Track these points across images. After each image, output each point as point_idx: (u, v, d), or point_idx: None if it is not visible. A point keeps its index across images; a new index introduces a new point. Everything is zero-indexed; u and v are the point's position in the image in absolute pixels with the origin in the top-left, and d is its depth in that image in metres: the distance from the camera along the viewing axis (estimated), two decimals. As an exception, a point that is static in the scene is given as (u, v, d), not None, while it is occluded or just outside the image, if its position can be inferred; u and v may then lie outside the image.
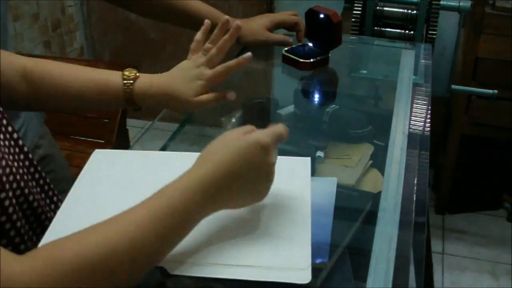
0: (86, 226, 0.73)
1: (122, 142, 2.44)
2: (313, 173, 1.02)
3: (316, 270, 0.81)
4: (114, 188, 0.95)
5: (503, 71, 2.55)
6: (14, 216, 0.87)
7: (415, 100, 1.37)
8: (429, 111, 1.33)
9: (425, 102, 1.37)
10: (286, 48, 1.58)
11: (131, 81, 1.04)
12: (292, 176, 0.98)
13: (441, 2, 1.82)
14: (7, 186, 0.86)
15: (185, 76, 1.08)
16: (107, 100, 1.06)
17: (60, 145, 1.51)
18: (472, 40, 2.55)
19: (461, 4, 1.88)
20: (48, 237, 0.83)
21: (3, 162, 0.86)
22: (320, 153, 1.26)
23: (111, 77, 1.05)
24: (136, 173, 0.99)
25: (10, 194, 0.86)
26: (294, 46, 1.59)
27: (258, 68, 1.73)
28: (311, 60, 1.53)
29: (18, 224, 0.89)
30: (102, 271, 0.69)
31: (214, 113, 1.45)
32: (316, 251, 0.83)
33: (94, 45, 3.67)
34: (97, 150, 1.05)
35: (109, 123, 2.41)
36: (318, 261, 0.87)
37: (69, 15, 3.41)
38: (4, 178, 0.85)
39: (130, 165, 1.01)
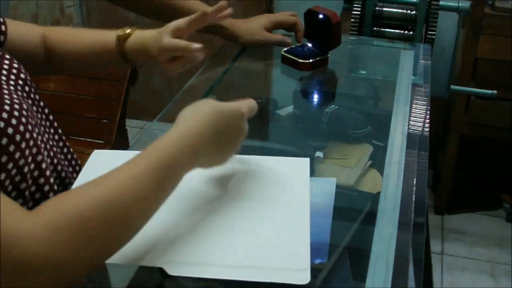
0: None
1: (121, 142, 2.44)
2: (312, 173, 1.03)
3: (315, 270, 0.81)
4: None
5: (502, 71, 2.55)
6: (51, 180, 0.92)
7: (414, 101, 1.37)
8: (428, 112, 1.33)
9: (424, 103, 1.37)
10: (285, 49, 1.58)
11: (124, 39, 1.13)
12: (291, 176, 0.98)
13: (441, 3, 1.82)
14: (43, 152, 0.92)
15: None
16: (106, 58, 1.15)
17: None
18: (472, 40, 2.55)
19: (460, 4, 1.88)
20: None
21: (40, 137, 0.92)
22: (319, 154, 1.26)
23: (108, 36, 1.15)
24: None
25: (45, 157, 0.92)
26: (293, 46, 1.59)
27: (257, 68, 1.73)
28: (310, 60, 1.53)
29: (55, 187, 0.94)
30: (108, 218, 0.71)
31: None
32: (315, 251, 0.83)
33: (93, 45, 3.67)
34: (96, 151, 1.06)
35: (108, 123, 2.41)
36: (317, 261, 0.87)
37: (68, 15, 3.41)
38: (40, 144, 0.91)
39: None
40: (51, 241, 0.66)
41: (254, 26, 1.58)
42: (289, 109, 1.50)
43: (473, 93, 2.57)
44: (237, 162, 1.02)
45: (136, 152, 1.06)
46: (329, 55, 1.57)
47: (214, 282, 0.78)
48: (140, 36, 1.14)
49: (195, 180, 0.96)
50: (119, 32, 1.14)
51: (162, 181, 0.78)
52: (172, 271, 0.78)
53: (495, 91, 2.11)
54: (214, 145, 0.86)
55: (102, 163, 1.02)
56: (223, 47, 1.70)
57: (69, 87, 2.50)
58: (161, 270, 0.78)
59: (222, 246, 0.82)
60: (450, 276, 2.66)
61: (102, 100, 2.46)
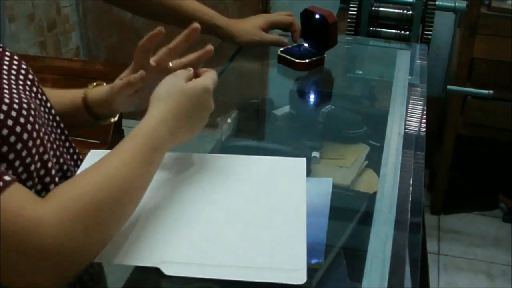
0: None
1: (117, 142, 2.44)
2: (309, 173, 1.02)
3: (311, 270, 0.81)
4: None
5: (498, 71, 2.56)
6: (56, 179, 0.94)
7: (410, 101, 1.37)
8: (425, 112, 1.33)
9: (421, 103, 1.37)
10: (281, 49, 1.58)
11: (89, 90, 1.13)
12: (288, 176, 0.98)
13: (437, 3, 1.82)
14: (50, 151, 0.93)
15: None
16: (76, 115, 1.12)
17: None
18: (468, 40, 2.55)
19: (456, 4, 1.88)
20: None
21: (46, 137, 0.93)
22: (315, 154, 1.26)
23: (77, 92, 1.14)
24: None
25: (51, 156, 0.94)
26: (289, 46, 1.59)
27: (253, 68, 1.73)
28: (307, 60, 1.53)
29: None
30: (115, 201, 0.78)
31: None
32: (311, 251, 0.83)
33: (89, 45, 3.67)
34: (92, 151, 1.05)
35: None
36: (313, 261, 0.86)
37: (64, 15, 3.40)
38: (47, 143, 0.92)
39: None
40: (70, 226, 0.71)
41: (250, 26, 1.58)
42: (286, 109, 1.50)
43: (469, 93, 2.58)
44: (233, 161, 1.02)
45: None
46: (325, 55, 1.57)
47: (210, 282, 0.78)
48: (104, 87, 1.13)
49: (191, 180, 0.96)
50: (91, 84, 1.14)
51: (149, 163, 0.86)
52: (168, 271, 0.78)
53: (491, 91, 2.11)
54: (187, 123, 0.94)
55: (98, 163, 1.02)
56: (219, 47, 1.70)
57: (66, 87, 2.49)
58: (157, 270, 0.78)
59: (219, 246, 0.82)
60: (447, 276, 2.66)
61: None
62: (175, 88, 0.94)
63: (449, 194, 3.01)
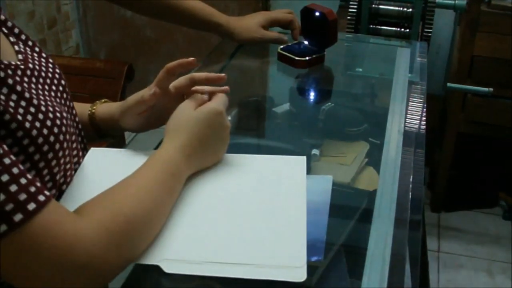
0: None
1: (117, 140, 2.44)
2: (309, 171, 1.02)
3: (311, 268, 0.81)
4: (110, 186, 0.94)
5: (498, 69, 2.56)
6: None
7: (410, 98, 1.37)
8: (425, 109, 1.33)
9: (421, 100, 1.37)
10: (281, 46, 1.58)
11: (95, 107, 1.12)
12: (288, 174, 0.98)
13: (437, 0, 1.82)
14: (72, 159, 0.95)
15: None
16: (84, 128, 1.09)
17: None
18: (468, 38, 2.55)
19: (456, 2, 1.88)
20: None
21: (74, 145, 0.95)
22: (315, 151, 1.26)
23: (86, 105, 1.13)
24: (131, 171, 0.98)
25: (73, 164, 0.96)
26: (289, 44, 1.59)
27: (253, 66, 1.73)
28: (307, 58, 1.53)
29: None
30: (143, 221, 0.80)
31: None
32: (311, 249, 0.83)
33: (89, 43, 3.67)
34: (92, 148, 1.06)
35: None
36: (313, 259, 0.86)
37: (64, 13, 3.40)
38: (72, 152, 0.94)
39: (125, 163, 1.01)
40: (105, 243, 0.73)
41: (250, 24, 1.58)
42: (286, 106, 1.50)
43: (469, 91, 2.57)
44: (233, 160, 1.02)
45: (132, 151, 1.07)
46: (325, 52, 1.57)
47: (210, 280, 0.78)
48: (114, 103, 1.12)
49: (191, 178, 0.96)
50: (90, 107, 1.12)
51: (169, 188, 0.87)
52: (168, 269, 0.78)
53: (491, 89, 2.11)
54: (205, 148, 0.95)
55: (99, 161, 1.02)
56: (220, 45, 1.70)
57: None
58: (157, 268, 0.78)
59: (219, 244, 0.82)
60: (447, 274, 2.66)
61: (98, 97, 2.44)
62: (185, 117, 0.95)
63: (449, 192, 3.01)
